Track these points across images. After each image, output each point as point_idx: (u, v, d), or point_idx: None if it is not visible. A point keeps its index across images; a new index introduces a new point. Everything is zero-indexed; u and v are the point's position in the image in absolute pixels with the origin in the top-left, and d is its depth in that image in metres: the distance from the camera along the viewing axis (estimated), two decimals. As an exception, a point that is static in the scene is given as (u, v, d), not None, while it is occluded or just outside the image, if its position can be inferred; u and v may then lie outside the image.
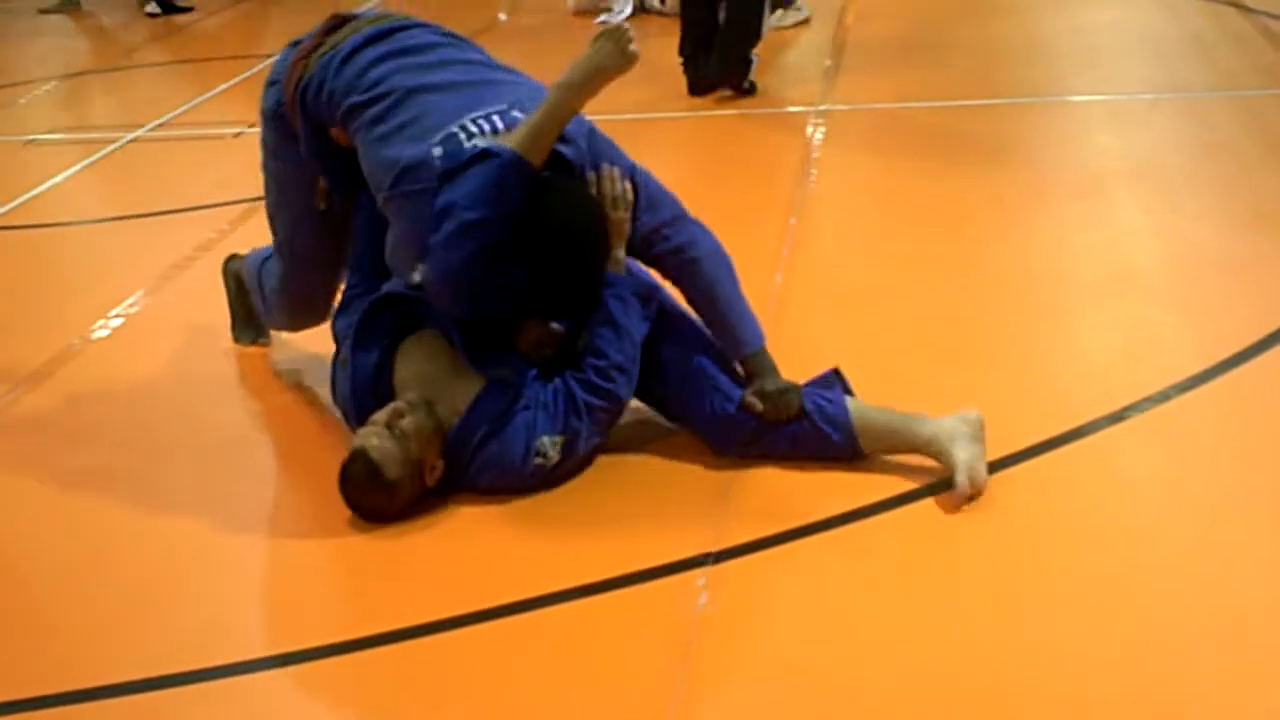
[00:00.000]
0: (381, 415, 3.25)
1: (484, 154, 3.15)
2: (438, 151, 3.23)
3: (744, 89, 6.37)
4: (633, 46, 3.19)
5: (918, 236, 4.74)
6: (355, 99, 3.41)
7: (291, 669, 2.85)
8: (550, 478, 3.29)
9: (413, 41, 3.50)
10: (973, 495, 3.12)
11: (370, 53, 3.47)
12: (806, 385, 3.37)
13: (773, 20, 7.02)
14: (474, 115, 3.27)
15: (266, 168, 3.81)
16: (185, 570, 3.25)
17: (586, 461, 3.38)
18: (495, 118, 3.27)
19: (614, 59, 3.19)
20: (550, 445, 3.24)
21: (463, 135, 3.24)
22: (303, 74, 3.54)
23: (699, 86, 6.39)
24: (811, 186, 5.23)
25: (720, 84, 6.38)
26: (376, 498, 3.23)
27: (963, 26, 7.42)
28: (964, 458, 3.15)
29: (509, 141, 3.16)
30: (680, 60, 6.49)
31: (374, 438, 3.21)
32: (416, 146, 3.25)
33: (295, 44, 3.67)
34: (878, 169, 5.55)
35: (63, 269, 5.30)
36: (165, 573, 3.23)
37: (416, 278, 3.25)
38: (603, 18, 8.05)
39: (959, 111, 6.06)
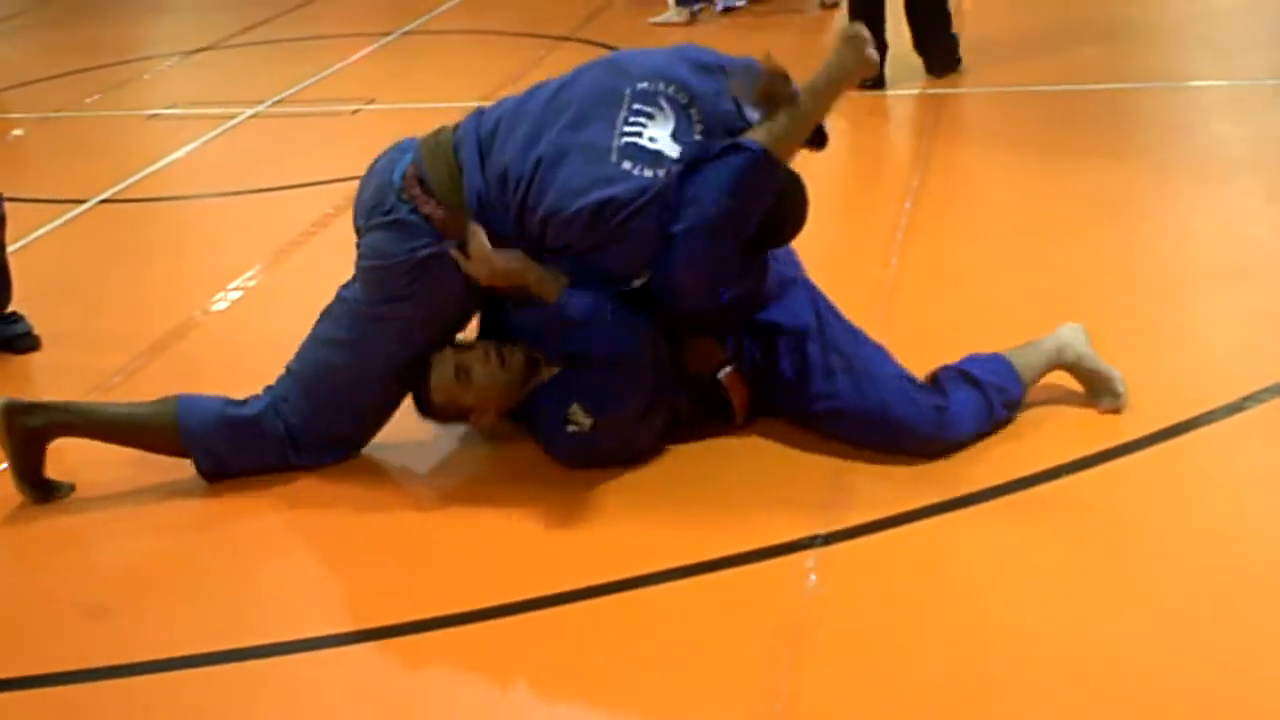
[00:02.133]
0: (470, 356, 3.33)
1: (734, 147, 3.11)
2: (628, 166, 3.13)
3: (955, 67, 6.34)
4: (870, 51, 3.14)
5: (1034, 221, 4.69)
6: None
7: (390, 641, 2.89)
8: (592, 446, 3.29)
9: (508, 118, 3.29)
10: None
11: (499, 159, 3.23)
12: (952, 367, 3.36)
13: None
14: (624, 123, 3.17)
15: (354, 315, 3.38)
16: (290, 535, 3.34)
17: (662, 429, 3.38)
18: (637, 105, 3.18)
19: (860, 66, 3.16)
20: (581, 412, 3.25)
21: (632, 139, 3.15)
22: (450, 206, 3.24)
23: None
24: (927, 170, 5.19)
25: (939, 74, 6.28)
26: (425, 401, 3.43)
27: (1082, 10, 7.32)
28: (1115, 372, 3.37)
29: (758, 138, 3.12)
30: None
31: (448, 365, 3.32)
32: (606, 178, 3.11)
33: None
34: (994, 153, 5.50)
35: (183, 242, 5.41)
36: (267, 539, 3.32)
37: (636, 284, 3.21)
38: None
39: (1078, 96, 5.99)
